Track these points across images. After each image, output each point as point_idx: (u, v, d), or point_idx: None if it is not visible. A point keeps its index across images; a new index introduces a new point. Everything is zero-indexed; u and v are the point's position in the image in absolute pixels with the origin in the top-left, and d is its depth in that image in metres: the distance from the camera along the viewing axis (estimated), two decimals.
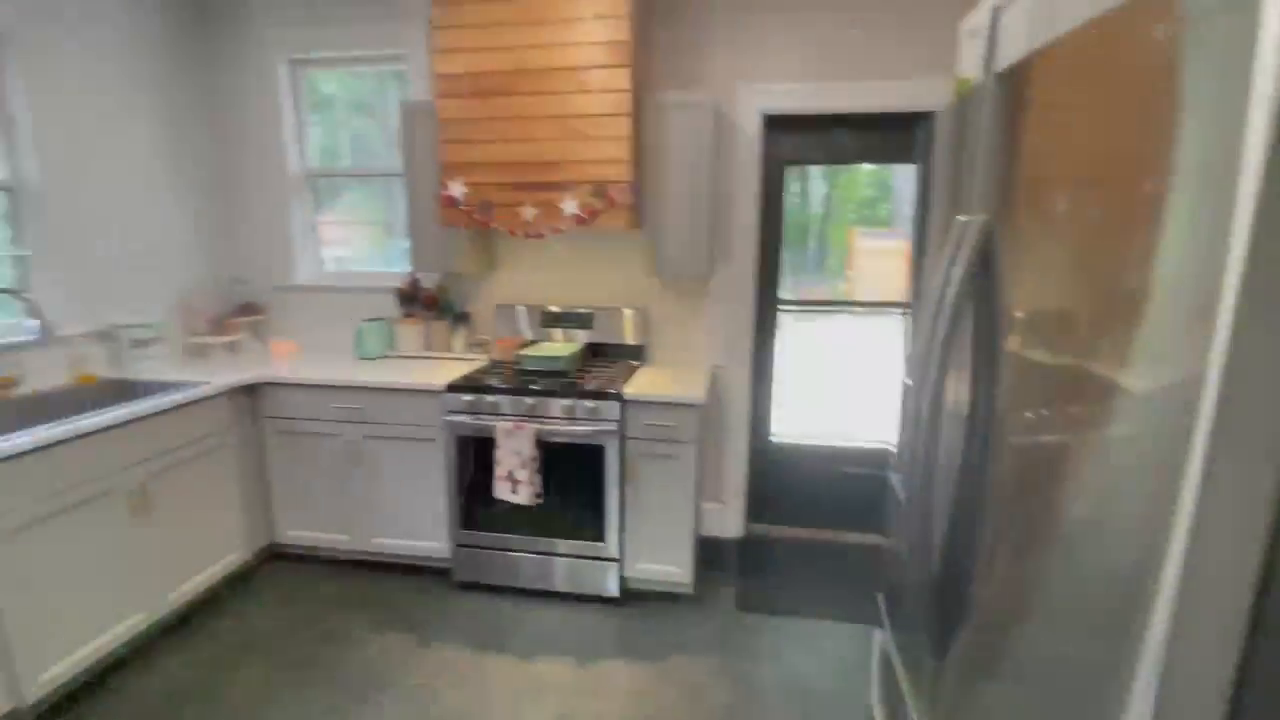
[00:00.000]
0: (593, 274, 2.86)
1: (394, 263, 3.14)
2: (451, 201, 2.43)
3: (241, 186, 3.09)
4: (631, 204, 2.34)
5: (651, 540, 2.39)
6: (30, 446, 1.73)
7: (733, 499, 2.94)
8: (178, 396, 2.20)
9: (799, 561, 2.77)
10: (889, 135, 2.62)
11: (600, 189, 2.32)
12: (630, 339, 2.79)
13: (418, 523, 2.55)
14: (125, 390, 2.34)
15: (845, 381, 3.19)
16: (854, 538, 2.92)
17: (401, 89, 2.94)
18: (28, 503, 1.75)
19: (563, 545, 2.41)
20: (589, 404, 2.31)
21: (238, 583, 2.54)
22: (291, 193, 3.05)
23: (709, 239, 2.50)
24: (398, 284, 2.95)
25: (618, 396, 2.29)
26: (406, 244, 2.73)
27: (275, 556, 2.74)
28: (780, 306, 2.89)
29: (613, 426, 2.30)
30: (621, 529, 2.38)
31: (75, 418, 1.90)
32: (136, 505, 2.06)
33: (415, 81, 2.82)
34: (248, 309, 3.05)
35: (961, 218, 1.05)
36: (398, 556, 2.64)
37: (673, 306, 2.83)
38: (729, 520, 2.96)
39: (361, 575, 2.62)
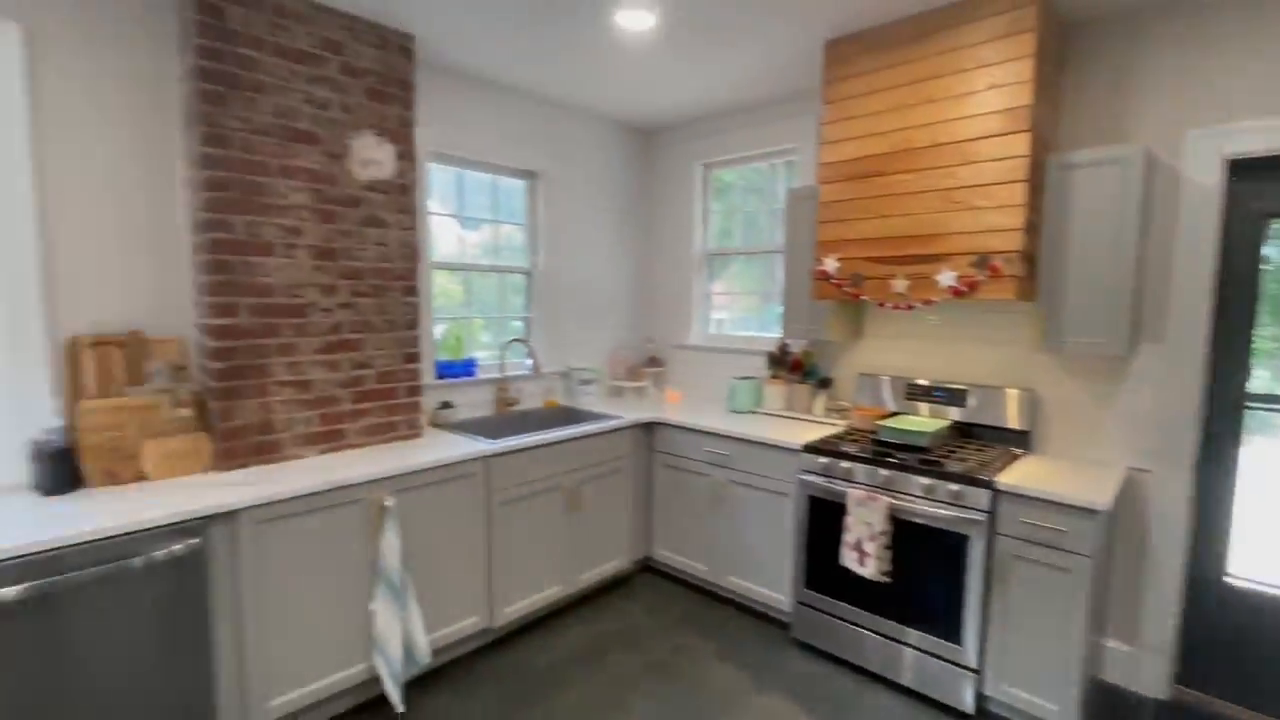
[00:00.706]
0: (968, 348, 2.65)
1: (767, 328, 3.49)
2: (824, 275, 2.61)
3: (658, 264, 3.90)
4: (1021, 274, 2.13)
5: (1022, 661, 2.04)
6: (520, 446, 2.54)
7: (1153, 646, 2.27)
8: (603, 425, 2.90)
9: None
10: None
11: (983, 259, 2.18)
12: (1012, 422, 2.47)
13: (765, 571, 2.73)
14: (572, 415, 3.19)
15: None
16: None
17: (789, 174, 3.31)
18: (514, 485, 2.54)
19: (911, 634, 2.25)
20: (953, 487, 2.14)
21: (619, 583, 3.12)
22: (694, 268, 3.71)
23: (1129, 312, 2.08)
24: (769, 348, 3.27)
25: (989, 484, 2.07)
26: (780, 311, 3.03)
27: (648, 569, 3.28)
28: (1249, 403, 2.16)
29: (980, 517, 2.08)
30: (982, 636, 2.10)
31: (544, 431, 2.69)
32: (570, 501, 2.77)
33: (804, 168, 3.15)
34: (653, 362, 3.79)
35: None
36: (745, 598, 2.86)
37: (1071, 390, 2.41)
38: (1145, 672, 2.28)
39: (714, 604, 2.92)
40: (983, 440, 2.55)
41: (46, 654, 1.54)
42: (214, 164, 2.01)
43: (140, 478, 1.96)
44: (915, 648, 2.25)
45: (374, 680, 2.17)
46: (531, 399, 3.32)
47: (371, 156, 2.36)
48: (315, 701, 2.03)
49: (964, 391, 2.60)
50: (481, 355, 3.20)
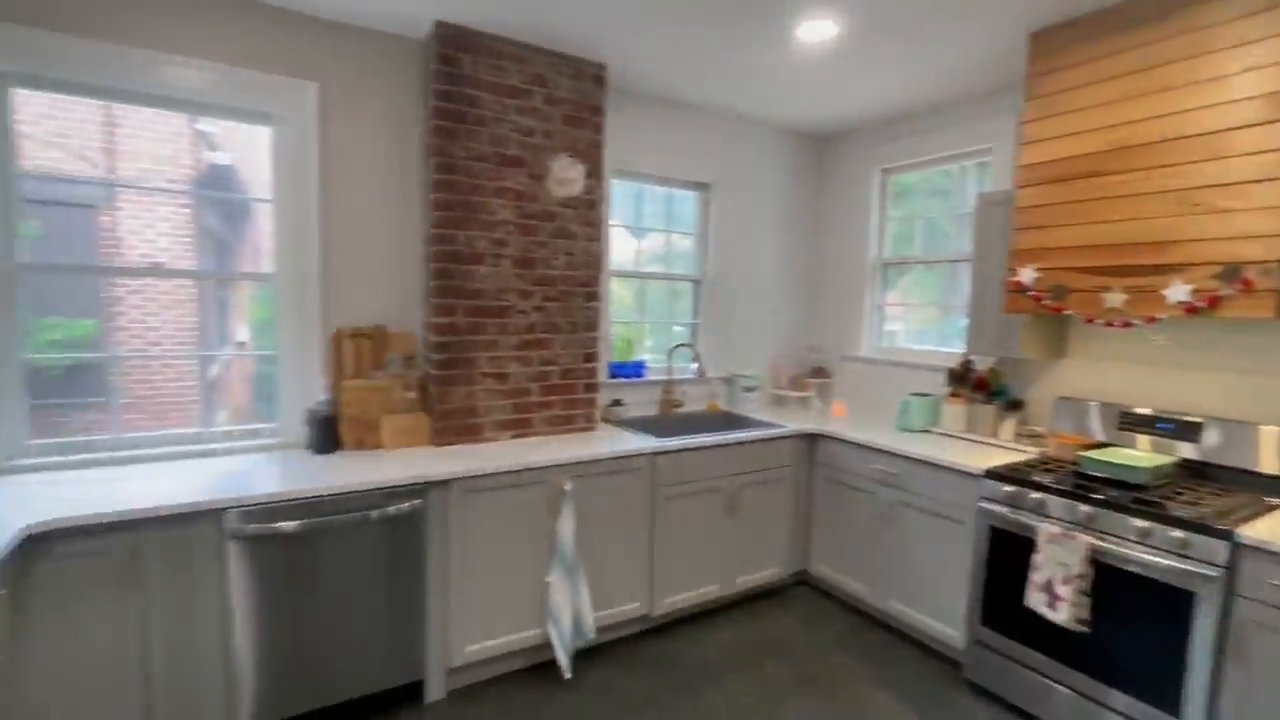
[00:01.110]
0: (1207, 374, 2.26)
1: (947, 342, 3.25)
2: (1019, 287, 2.39)
3: (826, 271, 3.81)
4: None
5: None
6: (684, 446, 2.65)
7: None
8: (765, 432, 2.92)
9: None
10: None
11: (1233, 270, 1.86)
12: (1266, 466, 2.06)
13: (934, 601, 2.55)
14: (734, 421, 3.25)
15: None
16: None
17: (980, 176, 3.07)
18: (676, 482, 2.67)
19: (1116, 698, 1.98)
20: (1177, 533, 1.85)
21: (774, 593, 3.11)
22: (866, 277, 3.57)
23: None
24: (949, 363, 3.05)
25: (1228, 535, 1.76)
26: (963, 324, 2.81)
27: (803, 582, 3.22)
28: None
29: (1213, 572, 1.77)
30: (1211, 714, 1.79)
31: (707, 434, 2.78)
32: (729, 505, 2.83)
33: (997, 170, 2.90)
34: (818, 372, 3.72)
35: None
36: (908, 626, 2.70)
37: None
38: None
39: (872, 627, 2.80)
40: (1220, 483, 2.15)
41: (306, 578, 1.95)
42: (444, 188, 2.39)
43: (378, 446, 2.39)
44: (1120, 713, 1.97)
45: (546, 646, 2.42)
46: (695, 402, 3.43)
47: (566, 176, 2.64)
48: (499, 655, 2.32)
49: (1198, 425, 2.22)
50: (648, 358, 3.39)
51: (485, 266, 2.49)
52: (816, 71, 2.74)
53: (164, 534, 1.73)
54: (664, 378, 3.32)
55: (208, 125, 2.60)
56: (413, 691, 2.19)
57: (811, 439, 3.10)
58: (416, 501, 2.08)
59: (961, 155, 3.12)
